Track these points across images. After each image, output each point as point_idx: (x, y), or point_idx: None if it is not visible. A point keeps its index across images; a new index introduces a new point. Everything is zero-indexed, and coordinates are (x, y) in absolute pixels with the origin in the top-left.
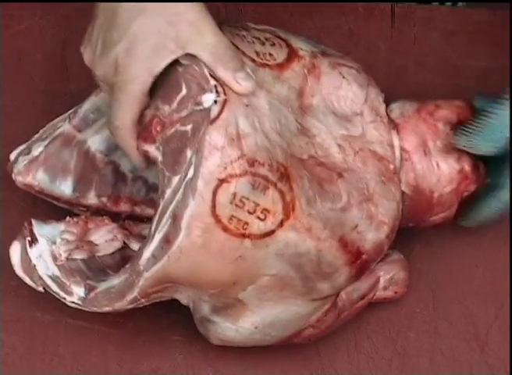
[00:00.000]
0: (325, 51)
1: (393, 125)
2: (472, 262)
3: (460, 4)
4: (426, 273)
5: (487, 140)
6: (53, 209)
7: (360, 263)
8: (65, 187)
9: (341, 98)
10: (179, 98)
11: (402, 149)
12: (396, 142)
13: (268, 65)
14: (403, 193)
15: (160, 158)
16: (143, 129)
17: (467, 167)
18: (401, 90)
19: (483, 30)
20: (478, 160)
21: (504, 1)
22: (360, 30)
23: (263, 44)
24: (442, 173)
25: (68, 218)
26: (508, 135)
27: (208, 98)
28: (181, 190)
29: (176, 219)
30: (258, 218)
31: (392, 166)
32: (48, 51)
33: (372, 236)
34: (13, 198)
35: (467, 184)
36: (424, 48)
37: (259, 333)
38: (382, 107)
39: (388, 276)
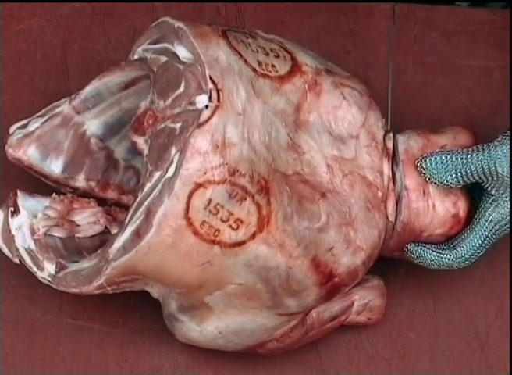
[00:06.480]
0: (330, 69)
1: (386, 153)
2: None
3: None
4: (426, 274)
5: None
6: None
7: (332, 286)
8: (55, 167)
9: (339, 118)
10: (175, 94)
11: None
12: (386, 170)
13: (268, 76)
14: (393, 229)
15: (146, 152)
16: (136, 120)
17: (462, 213)
18: (401, 90)
19: (483, 30)
20: (473, 206)
21: (504, 2)
22: (360, 30)
23: (267, 54)
24: (436, 215)
25: (54, 194)
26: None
27: (201, 100)
28: (159, 186)
29: (149, 214)
30: (231, 227)
31: (380, 194)
32: (48, 51)
33: (347, 260)
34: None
35: (458, 229)
36: (424, 48)
37: (222, 338)
38: (380, 133)
39: (363, 302)
